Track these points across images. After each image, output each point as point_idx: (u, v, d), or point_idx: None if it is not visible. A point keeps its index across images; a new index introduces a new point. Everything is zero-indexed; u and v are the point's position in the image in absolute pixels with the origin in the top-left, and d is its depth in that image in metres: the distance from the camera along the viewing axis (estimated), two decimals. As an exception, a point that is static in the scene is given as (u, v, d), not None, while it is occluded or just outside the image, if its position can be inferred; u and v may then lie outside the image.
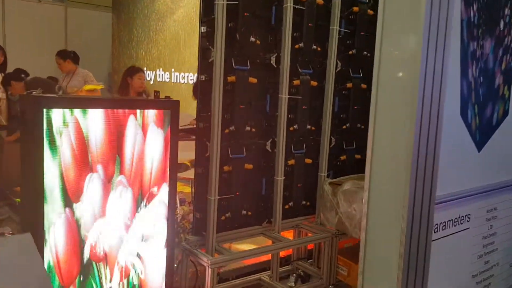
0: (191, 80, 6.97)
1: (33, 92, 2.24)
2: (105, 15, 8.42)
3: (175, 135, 2.64)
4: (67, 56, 5.66)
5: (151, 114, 2.58)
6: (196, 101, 3.11)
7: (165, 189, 2.72)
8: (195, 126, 3.68)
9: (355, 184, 3.45)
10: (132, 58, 7.77)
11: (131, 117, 2.47)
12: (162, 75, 7.67)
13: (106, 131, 2.39)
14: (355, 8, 3.70)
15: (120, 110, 2.44)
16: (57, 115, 2.23)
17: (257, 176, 3.33)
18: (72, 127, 2.28)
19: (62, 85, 5.38)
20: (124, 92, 4.34)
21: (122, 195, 2.51)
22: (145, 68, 7.33)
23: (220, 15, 2.87)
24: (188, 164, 4.73)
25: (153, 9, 7.29)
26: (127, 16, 7.82)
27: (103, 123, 2.38)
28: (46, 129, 2.19)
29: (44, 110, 2.19)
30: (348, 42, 3.75)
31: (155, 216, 2.71)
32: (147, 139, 2.57)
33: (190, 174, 4.49)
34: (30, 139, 2.26)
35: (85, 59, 7.26)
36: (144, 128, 2.55)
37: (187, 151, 3.78)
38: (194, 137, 3.34)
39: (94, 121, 2.34)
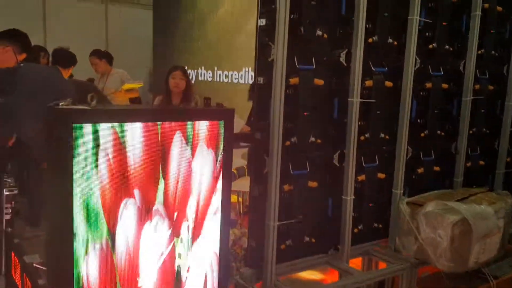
0: (235, 79, 6.53)
1: (61, 104, 1.81)
2: (146, 12, 8.09)
3: (229, 153, 2.16)
4: (103, 55, 5.30)
5: (201, 128, 2.11)
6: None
7: (213, 224, 2.25)
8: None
9: (440, 205, 2.87)
10: (173, 57, 7.40)
11: (177, 134, 2.00)
12: (204, 73, 7.27)
13: (144, 148, 1.94)
14: (437, -6, 3.11)
15: (165, 123, 1.98)
16: (88, 130, 1.79)
17: (323, 196, 2.81)
18: (106, 145, 1.84)
19: (98, 87, 5.02)
20: (167, 97, 3.94)
21: (158, 228, 2.05)
22: (186, 67, 6.94)
23: (283, 4, 2.37)
24: (235, 172, 4.26)
25: (195, 5, 6.88)
26: (168, 13, 7.46)
27: (141, 139, 1.92)
28: (75, 147, 1.76)
29: (74, 125, 1.76)
30: (427, 34, 3.16)
31: (201, 258, 2.25)
32: (195, 159, 2.10)
33: (238, 185, 4.04)
34: (57, 159, 1.83)
35: (125, 58, 6.95)
36: (193, 145, 2.09)
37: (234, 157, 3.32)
38: (244, 143, 2.89)
39: (130, 136, 1.90)
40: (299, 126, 2.61)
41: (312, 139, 2.67)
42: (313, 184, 2.72)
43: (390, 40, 2.93)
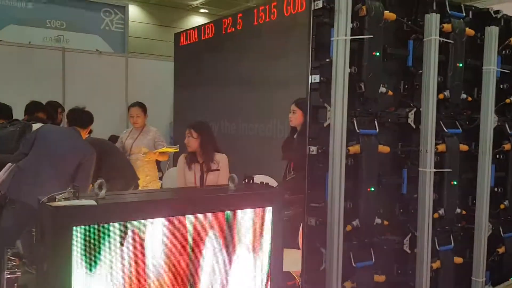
0: (262, 131, 6.06)
1: (57, 197, 1.32)
2: (167, 64, 7.82)
3: (279, 257, 1.62)
4: (146, 110, 4.79)
5: (242, 219, 1.58)
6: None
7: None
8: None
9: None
10: (194, 109, 7.01)
11: (211, 234, 1.48)
12: (228, 126, 6.87)
13: (168, 251, 1.42)
14: (513, 40, 2.62)
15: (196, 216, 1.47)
16: (92, 233, 1.29)
17: (391, 291, 2.23)
18: (115, 249, 1.33)
19: (126, 143, 4.52)
20: (191, 156, 3.38)
21: None
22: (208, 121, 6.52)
23: (342, 57, 1.89)
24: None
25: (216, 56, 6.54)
26: (189, 65, 7.15)
27: (164, 240, 1.41)
28: (76, 252, 1.26)
29: (73, 229, 1.26)
30: (502, 86, 2.65)
31: None
32: (233, 267, 1.57)
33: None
34: (53, 265, 1.33)
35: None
36: (232, 246, 1.56)
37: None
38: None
39: (149, 237, 1.39)
40: (362, 206, 2.06)
41: (378, 220, 2.11)
42: (380, 278, 2.14)
43: (464, 95, 2.42)
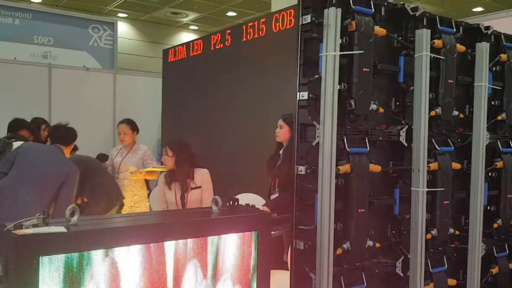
0: (251, 147, 5.96)
1: (24, 224, 1.22)
2: (156, 80, 7.75)
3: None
4: (136, 128, 4.67)
5: (226, 246, 1.49)
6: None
7: None
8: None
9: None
10: (182, 125, 6.91)
11: (193, 261, 1.38)
12: (215, 142, 6.78)
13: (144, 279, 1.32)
14: (503, 56, 2.58)
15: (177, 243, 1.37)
16: (61, 262, 1.19)
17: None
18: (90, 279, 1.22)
19: (115, 161, 4.40)
20: (171, 173, 3.26)
21: None
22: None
23: (331, 73, 1.83)
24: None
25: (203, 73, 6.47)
26: (176, 82, 7.08)
27: (140, 269, 1.31)
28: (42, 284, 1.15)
29: (39, 259, 1.16)
30: (494, 103, 2.61)
31: None
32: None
33: None
34: None
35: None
36: (214, 277, 1.46)
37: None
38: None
39: (124, 265, 1.28)
40: (353, 228, 1.97)
41: (369, 243, 2.03)
42: (372, 304, 2.05)
43: (456, 112, 2.36)
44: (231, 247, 1.51)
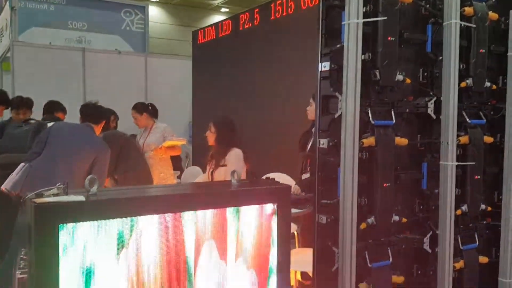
0: (283, 126, 5.92)
1: (45, 193, 1.25)
2: (187, 63, 7.79)
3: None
4: (144, 109, 4.84)
5: (245, 218, 1.48)
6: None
7: None
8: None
9: None
10: (212, 107, 6.94)
11: (212, 230, 1.38)
12: (246, 122, 6.76)
13: (163, 251, 1.33)
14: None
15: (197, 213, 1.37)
16: (81, 230, 1.21)
17: (411, 293, 2.09)
18: (109, 249, 1.25)
19: (139, 143, 4.56)
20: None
21: None
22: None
23: (354, 42, 1.77)
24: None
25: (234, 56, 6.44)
26: (207, 62, 7.08)
27: (158, 239, 1.32)
28: (64, 253, 1.18)
29: (60, 226, 1.18)
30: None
31: None
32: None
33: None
34: (42, 267, 1.25)
35: (165, 109, 6.55)
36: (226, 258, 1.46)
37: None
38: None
39: (143, 235, 1.30)
40: (378, 202, 1.93)
41: (395, 218, 1.98)
42: (398, 279, 2.01)
43: (488, 84, 2.25)
44: (251, 219, 1.50)
